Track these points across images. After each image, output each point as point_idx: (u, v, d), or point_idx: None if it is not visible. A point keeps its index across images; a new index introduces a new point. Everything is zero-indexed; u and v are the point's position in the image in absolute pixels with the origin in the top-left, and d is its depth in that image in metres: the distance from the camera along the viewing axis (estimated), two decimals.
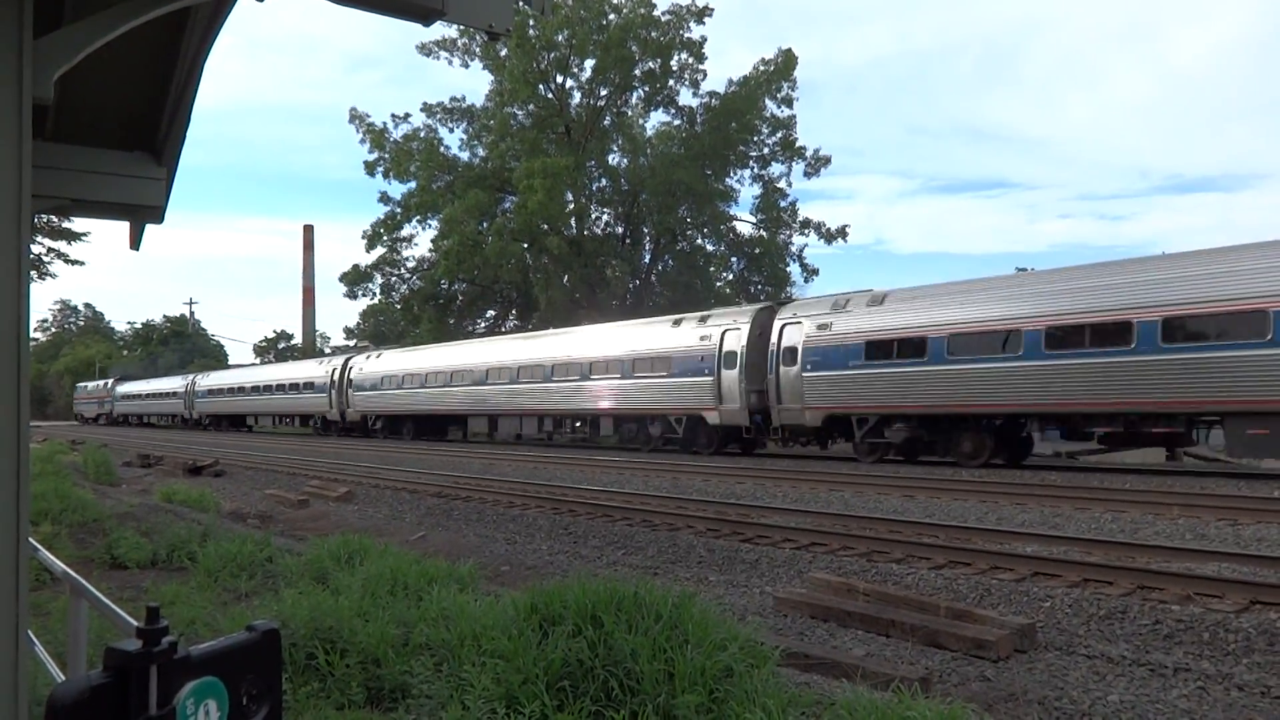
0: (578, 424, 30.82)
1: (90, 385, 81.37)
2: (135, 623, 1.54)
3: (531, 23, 41.17)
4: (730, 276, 51.94)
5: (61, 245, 33.66)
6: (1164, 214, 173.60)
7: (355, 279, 52.42)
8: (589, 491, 15.64)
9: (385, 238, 51.98)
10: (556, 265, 45.92)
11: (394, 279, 53.55)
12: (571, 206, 47.22)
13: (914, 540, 9.93)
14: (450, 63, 50.69)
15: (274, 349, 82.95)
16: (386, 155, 50.01)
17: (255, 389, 51.21)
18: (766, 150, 49.32)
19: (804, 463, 21.47)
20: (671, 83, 48.58)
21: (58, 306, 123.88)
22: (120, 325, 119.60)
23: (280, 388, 48.38)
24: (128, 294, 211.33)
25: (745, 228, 51.02)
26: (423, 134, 50.43)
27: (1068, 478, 16.03)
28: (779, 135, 48.85)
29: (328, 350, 78.80)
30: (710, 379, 24.30)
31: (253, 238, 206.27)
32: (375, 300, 55.14)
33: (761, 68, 47.50)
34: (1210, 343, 15.64)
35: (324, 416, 44.44)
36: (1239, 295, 15.30)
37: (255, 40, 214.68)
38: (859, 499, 14.09)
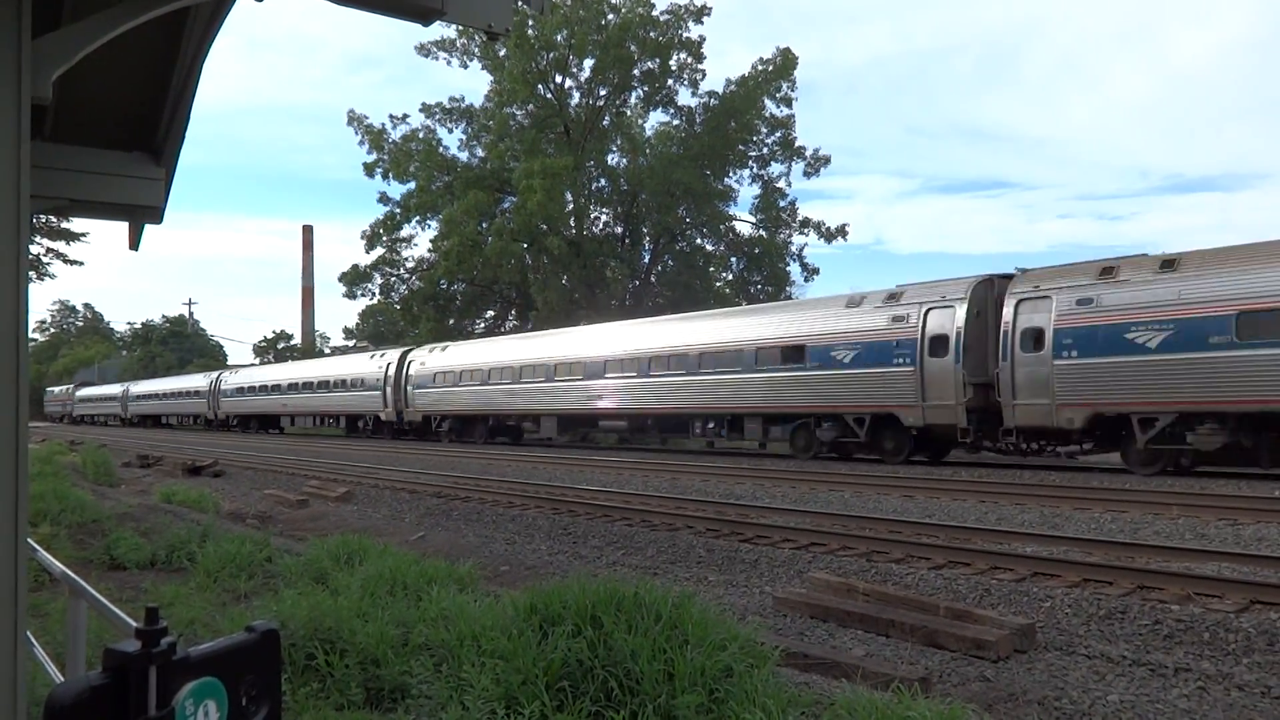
0: (709, 425, 25.32)
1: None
2: (134, 623, 1.54)
3: (530, 23, 41.18)
4: (730, 276, 52.03)
5: (60, 245, 33.53)
6: (1164, 214, 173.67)
7: (354, 279, 52.46)
8: (588, 491, 15.65)
9: (384, 238, 52.05)
10: (556, 265, 45.92)
11: (393, 279, 53.64)
12: (571, 207, 47.25)
13: (914, 540, 9.93)
14: (449, 63, 50.78)
15: (273, 349, 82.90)
16: (385, 156, 50.06)
17: (294, 386, 46.70)
18: (766, 150, 49.37)
19: (804, 463, 21.42)
20: (670, 82, 48.65)
21: (56, 307, 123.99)
22: (120, 325, 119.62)
23: (323, 385, 43.70)
24: (127, 294, 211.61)
25: (745, 227, 51.11)
26: (422, 134, 50.49)
27: (1068, 478, 16.05)
28: (778, 135, 48.88)
29: (327, 350, 78.84)
30: (909, 369, 19.72)
31: (252, 238, 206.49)
32: (374, 300, 55.21)
33: (760, 67, 47.54)
34: None
35: (377, 416, 39.94)
36: None
37: (254, 40, 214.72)
38: (858, 499, 14.10)
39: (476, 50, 47.58)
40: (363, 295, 53.92)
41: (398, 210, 51.35)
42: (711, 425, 25.16)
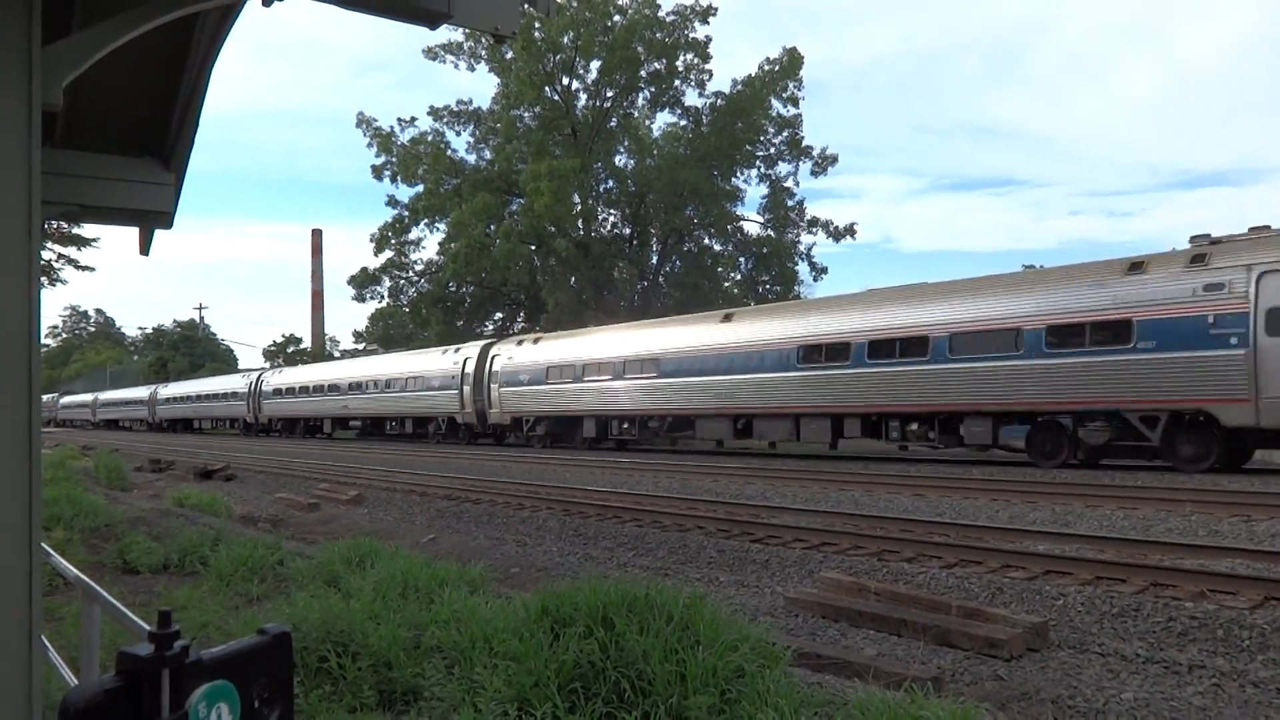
0: (911, 426, 21.01)
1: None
2: (147, 627, 1.54)
3: (537, 25, 41.26)
4: (738, 276, 52.03)
5: (71, 251, 33.78)
6: (1173, 209, 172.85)
7: (363, 282, 52.69)
8: (598, 493, 15.63)
9: (393, 241, 52.25)
10: (564, 267, 45.96)
11: (402, 282, 53.82)
12: (579, 208, 47.32)
13: (925, 539, 9.89)
14: (456, 66, 50.95)
15: (283, 353, 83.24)
16: (394, 159, 50.27)
17: (352, 386, 42.60)
18: (773, 150, 49.40)
19: (813, 462, 21.37)
20: (677, 83, 48.71)
21: (68, 312, 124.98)
22: (131, 330, 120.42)
23: (388, 385, 39.85)
24: (138, 299, 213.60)
25: (753, 227, 51.14)
26: (430, 137, 50.66)
27: (1079, 475, 15.96)
28: (785, 134, 48.90)
29: (337, 354, 79.06)
30: (1238, 353, 15.37)
31: (261, 242, 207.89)
32: (384, 303, 55.42)
33: (767, 67, 47.52)
34: None
35: (452, 419, 36.41)
36: None
37: (263, 45, 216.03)
38: (869, 498, 14.06)
39: (483, 53, 47.72)
40: (372, 298, 54.23)
41: (406, 213, 51.57)
42: (916, 426, 20.83)
